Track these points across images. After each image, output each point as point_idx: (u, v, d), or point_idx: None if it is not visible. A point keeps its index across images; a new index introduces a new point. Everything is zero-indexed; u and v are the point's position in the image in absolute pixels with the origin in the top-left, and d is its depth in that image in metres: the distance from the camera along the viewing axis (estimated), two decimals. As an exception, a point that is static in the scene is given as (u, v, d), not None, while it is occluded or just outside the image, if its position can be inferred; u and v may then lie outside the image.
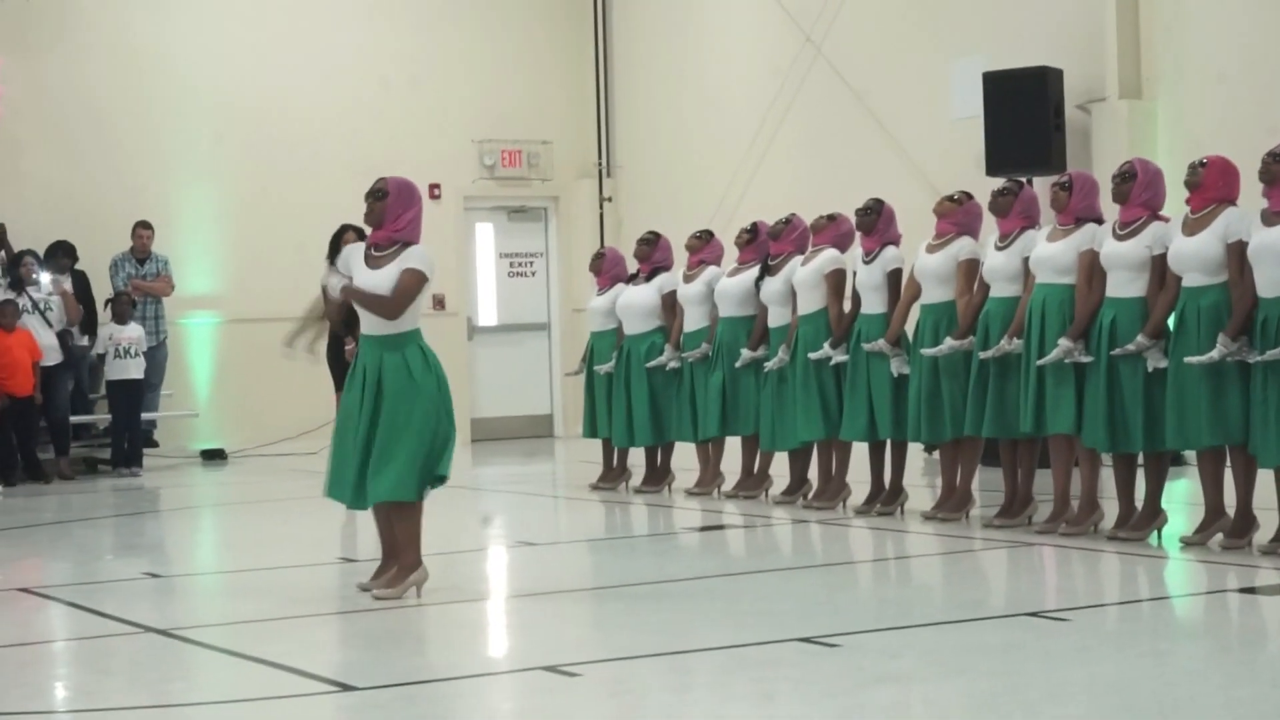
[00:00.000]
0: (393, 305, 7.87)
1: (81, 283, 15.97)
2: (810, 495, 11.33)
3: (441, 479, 8.01)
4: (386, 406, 7.86)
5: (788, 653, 6.64)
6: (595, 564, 9.85)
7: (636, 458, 12.81)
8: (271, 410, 17.13)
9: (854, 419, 10.69)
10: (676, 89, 18.36)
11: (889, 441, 10.70)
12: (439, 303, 18.18)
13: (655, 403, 12.30)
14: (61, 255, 15.74)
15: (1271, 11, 13.10)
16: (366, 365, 7.97)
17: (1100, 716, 5.60)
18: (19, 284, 14.98)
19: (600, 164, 19.11)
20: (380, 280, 7.90)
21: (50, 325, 15.01)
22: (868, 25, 16.12)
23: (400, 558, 8.02)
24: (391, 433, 7.86)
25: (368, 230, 8.21)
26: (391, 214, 7.97)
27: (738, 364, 11.61)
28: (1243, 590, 7.93)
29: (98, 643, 7.45)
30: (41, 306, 14.99)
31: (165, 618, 7.95)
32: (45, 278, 15.22)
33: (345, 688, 6.29)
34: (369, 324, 7.98)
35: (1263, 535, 8.76)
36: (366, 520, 12.26)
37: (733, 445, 12.08)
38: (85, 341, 15.45)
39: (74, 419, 15.35)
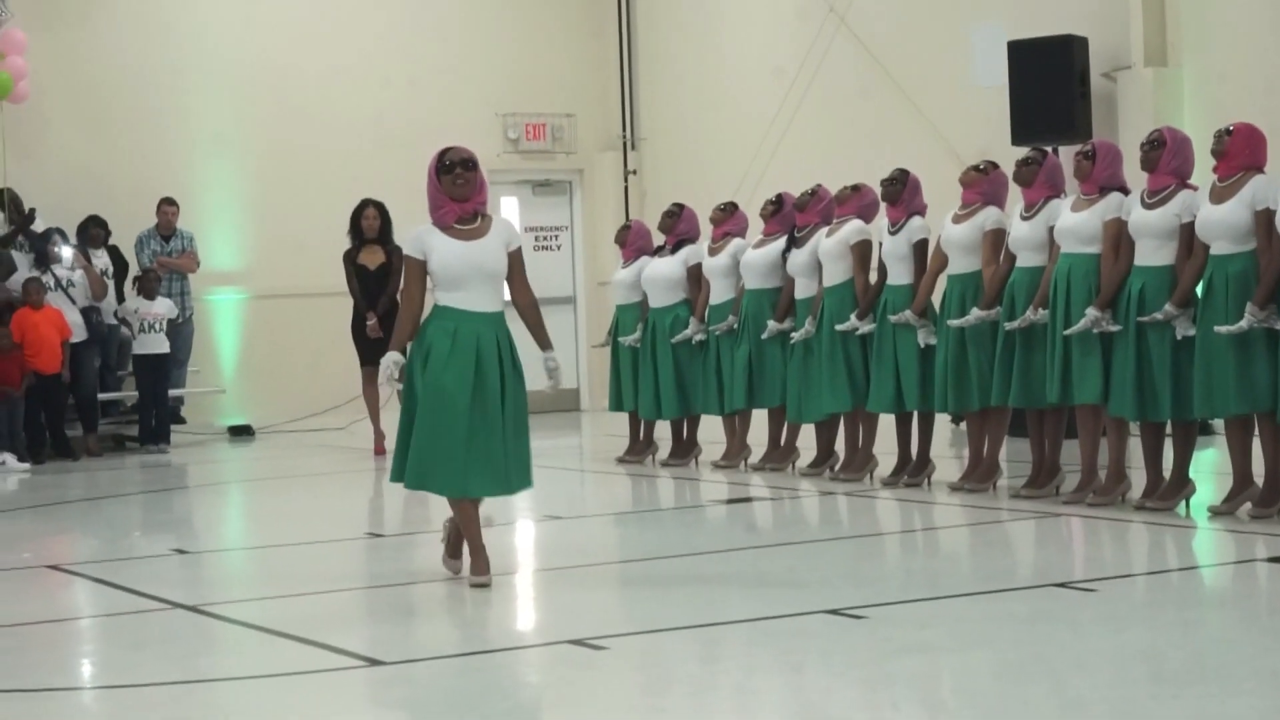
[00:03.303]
0: (531, 293, 7.79)
1: (117, 257, 16.02)
2: (837, 467, 11.32)
3: None
4: (509, 387, 7.55)
5: (815, 624, 6.64)
6: (622, 537, 9.85)
7: (663, 431, 12.81)
8: (298, 386, 17.18)
9: (881, 390, 10.66)
10: (700, 61, 18.32)
11: (916, 412, 10.67)
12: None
13: (681, 375, 12.29)
14: (94, 226, 15.78)
15: (1298, -23, 13.03)
16: (481, 344, 7.52)
17: (1127, 686, 5.58)
18: (44, 261, 15.01)
19: (624, 137, 19.08)
20: (486, 253, 7.57)
21: (74, 302, 15.04)
22: (891, -5, 16.06)
23: (480, 541, 7.74)
24: (522, 414, 7.64)
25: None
26: (480, 184, 7.69)
27: (764, 336, 11.58)
28: (1271, 559, 7.90)
29: (126, 619, 7.47)
30: (64, 283, 15.02)
31: (193, 593, 7.97)
32: (67, 253, 15.22)
33: (373, 662, 6.30)
34: (480, 300, 7.55)
35: (1291, 504, 8.73)
36: (393, 496, 12.30)
37: (759, 417, 12.07)
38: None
39: (101, 396, 15.39)
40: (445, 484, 7.58)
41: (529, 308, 7.74)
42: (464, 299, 7.55)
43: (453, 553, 7.92)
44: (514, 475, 7.64)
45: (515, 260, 7.69)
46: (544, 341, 7.75)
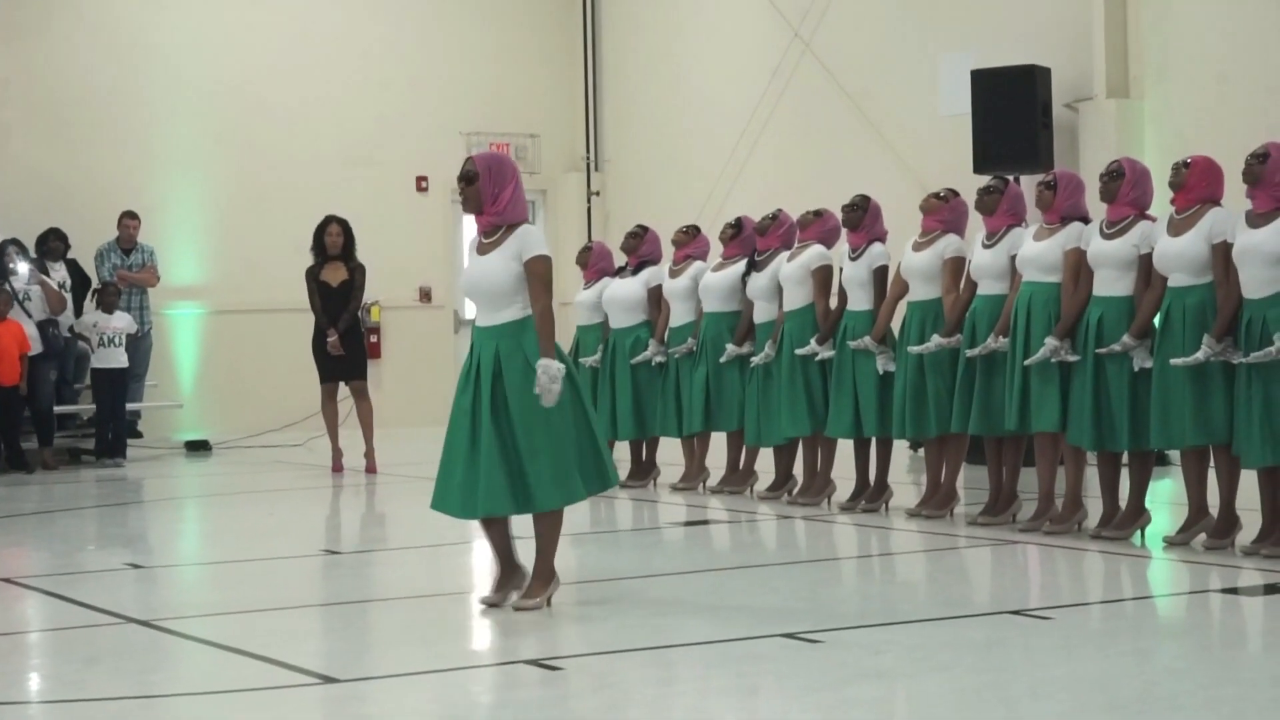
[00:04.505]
0: (545, 305, 7.32)
1: (76, 271, 15.94)
2: (795, 491, 11.33)
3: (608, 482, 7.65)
4: (513, 404, 7.26)
5: (771, 648, 6.64)
6: (579, 558, 9.82)
7: (621, 452, 12.80)
8: (256, 401, 17.15)
9: (839, 415, 10.69)
10: (665, 83, 18.37)
11: (874, 438, 10.70)
12: (425, 295, 18.17)
13: (640, 397, 12.28)
14: (53, 239, 15.70)
15: (1259, 11, 13.13)
16: (481, 359, 7.33)
17: (1082, 714, 5.60)
18: (2, 274, 14.93)
19: (588, 158, 19.11)
20: (492, 268, 7.31)
21: (30, 315, 14.95)
22: (857, 22, 16.13)
23: (540, 563, 7.60)
24: (529, 432, 7.28)
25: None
26: (488, 195, 7.37)
27: (722, 359, 11.60)
28: (1225, 590, 7.94)
29: (79, 633, 7.43)
30: (20, 297, 14.94)
31: (147, 608, 7.93)
32: (23, 268, 15.15)
33: (327, 680, 6.28)
34: (485, 315, 7.36)
35: (1245, 536, 8.77)
36: (352, 512, 12.26)
37: (718, 440, 12.07)
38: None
39: (58, 409, 15.31)
40: (455, 505, 7.47)
41: (536, 316, 7.31)
42: (477, 315, 7.46)
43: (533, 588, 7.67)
44: (514, 494, 7.40)
45: (528, 270, 7.32)
46: (542, 350, 7.27)
